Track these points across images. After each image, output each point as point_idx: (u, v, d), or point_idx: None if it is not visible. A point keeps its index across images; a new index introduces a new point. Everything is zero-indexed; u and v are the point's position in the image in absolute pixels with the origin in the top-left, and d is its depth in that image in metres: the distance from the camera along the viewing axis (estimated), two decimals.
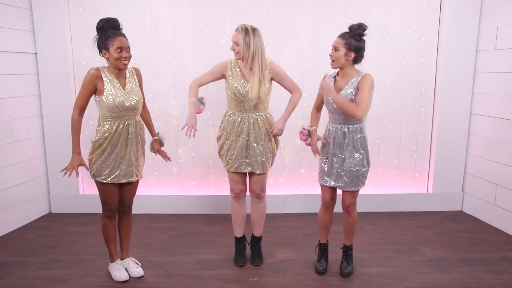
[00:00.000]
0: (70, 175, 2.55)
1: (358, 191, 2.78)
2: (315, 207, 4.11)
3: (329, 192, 2.86)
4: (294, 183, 4.20)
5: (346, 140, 2.70)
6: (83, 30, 3.93)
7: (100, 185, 2.66)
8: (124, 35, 2.55)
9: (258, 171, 2.90)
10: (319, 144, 2.88)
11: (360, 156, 2.70)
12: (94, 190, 4.16)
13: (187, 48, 3.98)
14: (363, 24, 2.59)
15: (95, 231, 3.66)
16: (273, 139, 2.94)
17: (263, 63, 2.79)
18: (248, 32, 2.73)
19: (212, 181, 4.19)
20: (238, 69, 2.86)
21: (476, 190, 4.04)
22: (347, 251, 2.91)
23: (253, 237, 3.11)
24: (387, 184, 4.25)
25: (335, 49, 2.62)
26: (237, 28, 2.76)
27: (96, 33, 2.55)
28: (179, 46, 3.99)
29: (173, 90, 4.04)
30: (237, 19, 3.91)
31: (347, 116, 2.67)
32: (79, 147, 2.59)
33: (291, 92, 2.93)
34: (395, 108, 4.12)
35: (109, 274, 2.86)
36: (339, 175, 2.75)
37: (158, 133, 2.97)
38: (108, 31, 2.50)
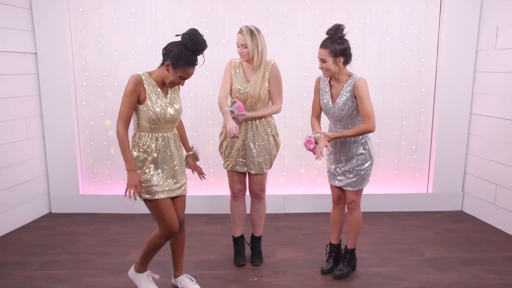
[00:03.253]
0: (135, 198, 2.27)
1: (362, 189, 2.78)
2: (315, 207, 4.13)
3: (337, 190, 2.87)
4: (294, 183, 4.20)
5: (348, 143, 2.71)
6: (83, 30, 3.93)
7: (151, 203, 2.39)
8: (195, 66, 2.33)
9: (253, 171, 2.90)
10: (325, 150, 2.84)
11: (363, 156, 2.71)
12: (94, 190, 4.17)
13: None
14: (340, 25, 2.57)
15: (95, 231, 3.66)
16: (272, 141, 2.92)
17: (267, 63, 2.82)
18: (254, 32, 2.74)
19: (212, 181, 4.19)
20: (241, 70, 2.88)
21: (476, 190, 4.03)
22: (346, 254, 2.90)
23: (253, 237, 3.11)
24: (387, 184, 4.25)
25: (322, 61, 2.59)
26: (241, 30, 2.75)
27: (181, 37, 2.31)
28: None
29: None
30: (237, 19, 3.91)
31: (347, 122, 2.67)
32: (133, 163, 2.30)
33: (272, 102, 2.89)
34: (395, 108, 4.12)
35: (109, 274, 2.86)
36: (344, 175, 2.76)
37: (192, 146, 2.74)
38: (191, 55, 2.27)
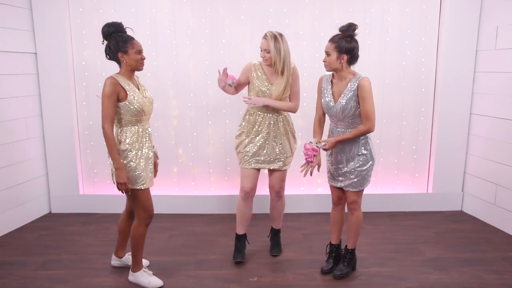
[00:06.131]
0: (129, 191, 2.52)
1: (363, 189, 2.78)
2: (315, 207, 4.14)
3: (337, 191, 2.87)
4: (294, 183, 4.20)
5: (350, 143, 2.70)
6: (83, 30, 3.93)
7: (138, 192, 2.58)
8: (134, 38, 2.58)
9: (275, 167, 3.00)
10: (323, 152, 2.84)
11: (364, 157, 2.70)
12: (94, 190, 4.17)
13: (187, 48, 3.98)
14: (353, 24, 2.57)
15: (95, 231, 3.67)
16: (292, 139, 3.03)
17: (290, 67, 2.89)
18: (277, 38, 2.81)
19: (212, 181, 4.19)
20: (262, 72, 2.94)
21: (476, 190, 4.03)
22: (346, 254, 2.90)
23: (272, 229, 3.23)
24: (387, 184, 4.25)
25: (327, 54, 2.61)
26: (266, 35, 2.83)
27: (104, 39, 2.54)
28: (179, 46, 3.98)
29: (173, 90, 4.04)
30: (237, 19, 3.92)
31: (349, 122, 2.67)
32: (120, 161, 2.50)
33: (290, 100, 3.00)
34: (395, 108, 4.12)
35: (110, 274, 2.85)
36: (345, 175, 2.75)
37: (153, 146, 2.85)
38: (123, 35, 2.52)
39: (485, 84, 3.89)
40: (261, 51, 2.85)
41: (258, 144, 2.95)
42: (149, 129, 2.68)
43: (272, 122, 2.95)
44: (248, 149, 2.97)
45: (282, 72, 2.86)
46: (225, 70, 2.92)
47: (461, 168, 4.16)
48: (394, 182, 4.25)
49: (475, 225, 3.83)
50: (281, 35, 2.83)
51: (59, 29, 3.85)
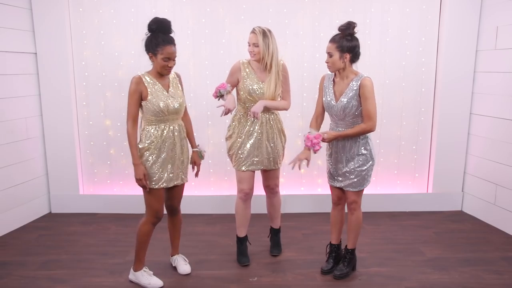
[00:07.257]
0: (147, 188, 2.56)
1: (362, 190, 2.78)
2: (315, 207, 4.14)
3: (337, 191, 2.87)
4: (294, 183, 4.20)
5: (349, 143, 2.70)
6: (83, 30, 3.93)
7: (149, 191, 2.61)
8: (174, 43, 2.52)
9: (270, 167, 2.99)
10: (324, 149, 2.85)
11: (364, 156, 2.70)
12: (94, 190, 4.17)
13: (187, 48, 3.98)
14: (352, 22, 2.57)
15: (95, 231, 3.67)
16: (282, 137, 3.02)
17: (278, 64, 2.86)
18: (266, 33, 2.79)
19: (212, 181, 4.19)
20: (252, 70, 2.91)
21: (476, 190, 4.03)
22: (346, 254, 2.90)
23: (272, 229, 3.22)
24: (387, 184, 4.25)
25: (329, 54, 2.61)
26: (254, 30, 2.80)
27: (147, 31, 2.53)
28: (179, 46, 3.93)
29: None
30: (237, 19, 3.92)
31: (350, 121, 2.67)
32: (138, 157, 2.54)
33: (282, 98, 2.98)
34: (395, 108, 4.12)
35: (109, 274, 2.85)
36: (344, 175, 2.75)
37: (198, 145, 2.88)
38: (160, 36, 2.47)
39: (485, 84, 3.89)
40: (249, 45, 2.82)
41: (252, 145, 2.91)
42: (177, 128, 2.64)
43: (264, 121, 2.91)
44: (242, 151, 2.93)
45: (270, 68, 2.83)
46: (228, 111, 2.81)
47: (461, 168, 4.16)
48: (394, 182, 4.25)
49: (475, 225, 3.83)
50: (269, 30, 2.81)
51: (59, 29, 3.85)
